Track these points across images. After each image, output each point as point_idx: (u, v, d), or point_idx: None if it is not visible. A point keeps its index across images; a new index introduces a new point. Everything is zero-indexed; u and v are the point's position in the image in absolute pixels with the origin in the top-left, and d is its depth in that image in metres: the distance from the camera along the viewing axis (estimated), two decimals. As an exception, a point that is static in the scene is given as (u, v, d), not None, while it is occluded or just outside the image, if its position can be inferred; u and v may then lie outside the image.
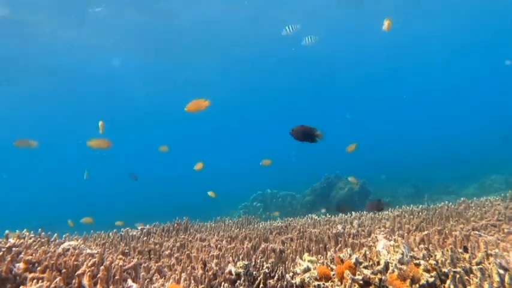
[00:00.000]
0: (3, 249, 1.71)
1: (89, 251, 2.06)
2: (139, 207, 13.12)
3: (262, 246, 2.37)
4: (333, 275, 1.58)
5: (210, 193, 5.98)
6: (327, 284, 1.53)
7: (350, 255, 1.66)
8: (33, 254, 1.82)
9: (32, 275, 1.62)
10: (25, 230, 2.31)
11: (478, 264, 1.54)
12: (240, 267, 1.68)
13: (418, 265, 1.49)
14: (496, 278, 1.38)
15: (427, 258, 1.60)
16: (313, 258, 1.77)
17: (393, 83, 24.22)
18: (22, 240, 2.09)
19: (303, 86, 22.76)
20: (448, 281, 1.39)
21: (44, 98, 17.18)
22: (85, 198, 19.71)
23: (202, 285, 1.67)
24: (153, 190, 19.99)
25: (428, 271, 1.46)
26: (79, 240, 2.44)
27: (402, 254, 1.58)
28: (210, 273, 1.74)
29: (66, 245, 2.14)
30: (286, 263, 2.14)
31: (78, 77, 15.79)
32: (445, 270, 1.46)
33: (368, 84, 23.00)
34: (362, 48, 16.96)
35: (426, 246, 1.91)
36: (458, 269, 1.47)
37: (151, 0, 10.97)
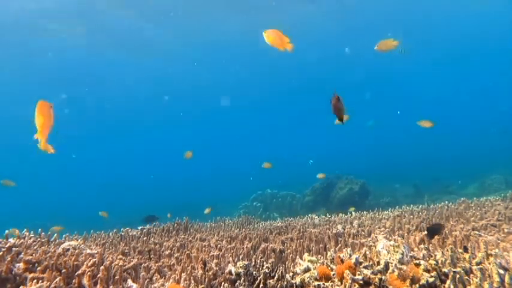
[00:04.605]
0: (3, 249, 1.71)
1: (88, 251, 2.06)
2: (140, 206, 13.11)
3: (262, 246, 2.37)
4: (333, 275, 1.58)
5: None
6: (327, 284, 1.53)
7: (350, 255, 1.66)
8: (33, 254, 1.82)
9: (32, 275, 1.62)
10: (25, 230, 2.31)
11: (478, 264, 1.54)
12: (240, 267, 1.68)
13: (418, 265, 1.49)
14: (496, 278, 1.38)
15: (427, 258, 1.60)
16: (313, 258, 1.77)
17: (393, 83, 24.21)
18: (22, 240, 2.09)
19: (304, 86, 22.76)
20: (448, 281, 1.39)
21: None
22: (85, 198, 19.68)
23: (202, 285, 1.67)
24: (153, 189, 19.97)
25: (428, 271, 1.46)
26: (79, 240, 2.44)
27: (402, 254, 1.58)
28: (210, 273, 1.74)
29: (66, 245, 2.14)
30: (286, 263, 2.14)
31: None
32: (445, 270, 1.46)
33: (368, 84, 22.99)
34: (362, 49, 16.94)
35: (426, 246, 1.91)
36: (458, 269, 1.47)
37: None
